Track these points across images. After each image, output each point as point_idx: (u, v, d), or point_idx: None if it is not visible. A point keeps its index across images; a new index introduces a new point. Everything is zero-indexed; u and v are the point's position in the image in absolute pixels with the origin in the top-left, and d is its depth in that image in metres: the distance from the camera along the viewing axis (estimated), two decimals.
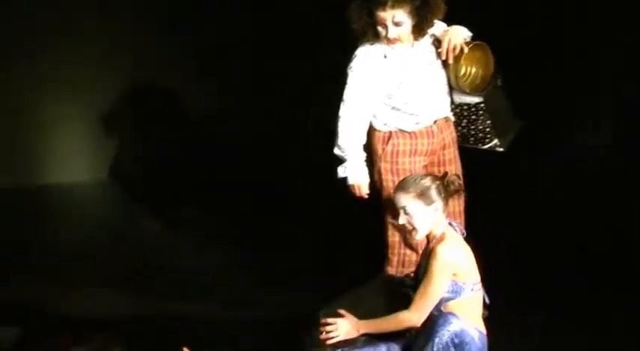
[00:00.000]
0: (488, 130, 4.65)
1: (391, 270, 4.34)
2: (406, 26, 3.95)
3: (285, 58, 7.68)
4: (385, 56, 4.09)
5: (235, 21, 8.00)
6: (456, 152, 4.39)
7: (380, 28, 3.97)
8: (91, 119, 7.73)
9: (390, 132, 4.16)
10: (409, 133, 4.17)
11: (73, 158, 7.75)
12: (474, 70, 4.21)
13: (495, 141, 4.69)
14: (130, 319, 4.54)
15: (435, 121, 4.21)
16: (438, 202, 3.50)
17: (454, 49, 4.01)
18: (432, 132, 4.21)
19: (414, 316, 3.52)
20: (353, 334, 3.63)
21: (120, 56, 7.65)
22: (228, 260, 5.59)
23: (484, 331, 3.56)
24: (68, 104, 7.64)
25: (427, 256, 3.58)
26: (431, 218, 3.51)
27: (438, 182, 3.54)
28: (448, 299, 3.48)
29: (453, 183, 3.60)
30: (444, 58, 4.07)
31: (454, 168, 4.32)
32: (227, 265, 5.51)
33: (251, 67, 8.03)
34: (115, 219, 6.57)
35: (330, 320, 3.65)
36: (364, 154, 4.19)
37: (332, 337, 3.60)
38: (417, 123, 4.17)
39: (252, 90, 8.05)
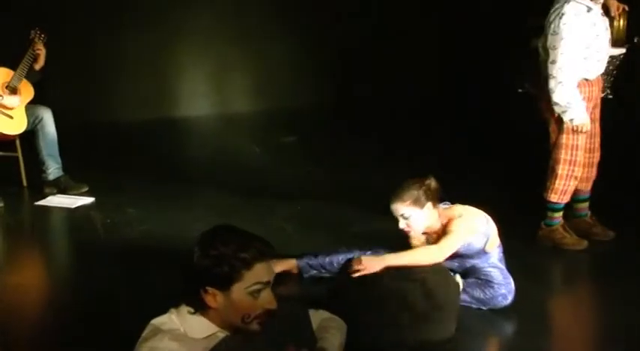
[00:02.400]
0: (612, 80, 4.54)
1: (555, 197, 4.07)
2: None
3: None
4: (589, 10, 3.87)
5: None
6: (600, 112, 4.17)
7: None
8: (214, 67, 7.95)
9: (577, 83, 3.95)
10: (589, 81, 3.97)
11: (199, 97, 7.98)
12: (625, 26, 4.12)
13: (608, 90, 4.59)
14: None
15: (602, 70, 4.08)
16: (429, 204, 3.35)
17: (619, 7, 4.02)
18: (599, 80, 4.07)
19: (437, 252, 3.29)
20: (378, 267, 3.19)
21: (235, 15, 7.72)
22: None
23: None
24: (197, 54, 7.82)
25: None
26: (425, 218, 3.37)
27: (424, 187, 3.35)
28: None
29: (433, 184, 3.40)
30: (613, 14, 4.01)
31: (598, 126, 4.15)
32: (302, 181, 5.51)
33: None
34: (230, 148, 6.64)
35: (355, 260, 3.21)
36: (581, 98, 3.92)
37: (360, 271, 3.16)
38: (597, 71, 4.00)
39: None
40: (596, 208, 4.34)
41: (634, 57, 4.66)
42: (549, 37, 3.88)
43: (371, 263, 3.18)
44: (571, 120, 3.92)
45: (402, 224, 3.38)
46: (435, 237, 3.42)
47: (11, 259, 4.39)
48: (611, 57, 4.37)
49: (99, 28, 7.20)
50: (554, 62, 3.85)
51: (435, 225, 3.42)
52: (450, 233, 3.32)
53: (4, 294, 3.81)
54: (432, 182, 3.41)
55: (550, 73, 3.87)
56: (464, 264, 3.51)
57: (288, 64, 8.00)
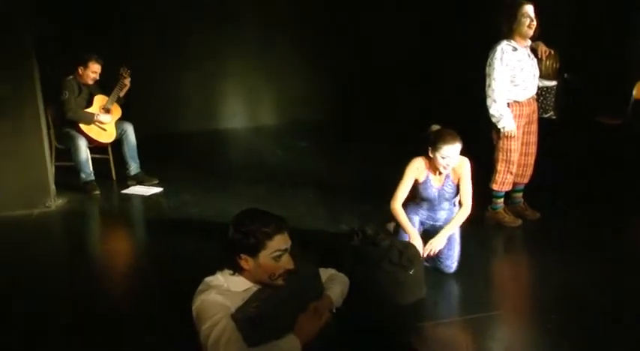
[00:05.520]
0: (551, 104, 4.52)
1: (496, 187, 4.13)
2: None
3: None
4: (515, 49, 3.93)
5: None
6: (536, 127, 4.15)
7: (524, 26, 3.84)
8: (248, 91, 7.70)
9: (507, 102, 3.95)
10: (519, 102, 3.99)
11: (237, 114, 7.76)
12: (554, 65, 4.14)
13: (552, 113, 4.58)
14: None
15: (532, 95, 4.07)
16: None
17: (546, 51, 4.05)
18: (530, 102, 4.07)
19: (469, 207, 3.40)
20: (442, 245, 3.33)
21: (264, 51, 7.47)
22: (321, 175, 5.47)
23: None
24: (235, 81, 7.59)
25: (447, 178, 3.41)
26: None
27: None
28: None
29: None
30: (539, 56, 4.03)
31: (534, 137, 4.13)
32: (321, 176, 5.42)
33: None
34: (259, 151, 6.53)
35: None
36: (512, 114, 3.96)
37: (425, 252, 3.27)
38: (525, 95, 4.01)
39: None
40: (527, 197, 4.39)
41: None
42: (487, 68, 3.96)
43: (438, 244, 3.29)
44: (503, 127, 3.98)
45: (451, 162, 3.30)
46: (453, 176, 3.42)
47: (105, 232, 4.54)
48: (546, 87, 4.35)
49: (164, 64, 7.14)
50: (489, 86, 3.93)
51: None
52: (465, 187, 3.37)
53: (101, 257, 4.00)
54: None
55: (487, 94, 3.96)
56: (434, 225, 3.56)
57: (303, 88, 7.77)
